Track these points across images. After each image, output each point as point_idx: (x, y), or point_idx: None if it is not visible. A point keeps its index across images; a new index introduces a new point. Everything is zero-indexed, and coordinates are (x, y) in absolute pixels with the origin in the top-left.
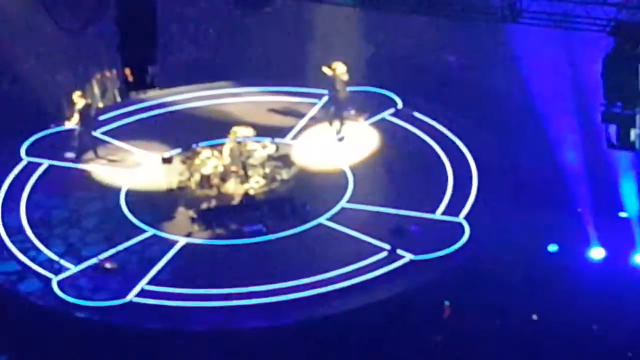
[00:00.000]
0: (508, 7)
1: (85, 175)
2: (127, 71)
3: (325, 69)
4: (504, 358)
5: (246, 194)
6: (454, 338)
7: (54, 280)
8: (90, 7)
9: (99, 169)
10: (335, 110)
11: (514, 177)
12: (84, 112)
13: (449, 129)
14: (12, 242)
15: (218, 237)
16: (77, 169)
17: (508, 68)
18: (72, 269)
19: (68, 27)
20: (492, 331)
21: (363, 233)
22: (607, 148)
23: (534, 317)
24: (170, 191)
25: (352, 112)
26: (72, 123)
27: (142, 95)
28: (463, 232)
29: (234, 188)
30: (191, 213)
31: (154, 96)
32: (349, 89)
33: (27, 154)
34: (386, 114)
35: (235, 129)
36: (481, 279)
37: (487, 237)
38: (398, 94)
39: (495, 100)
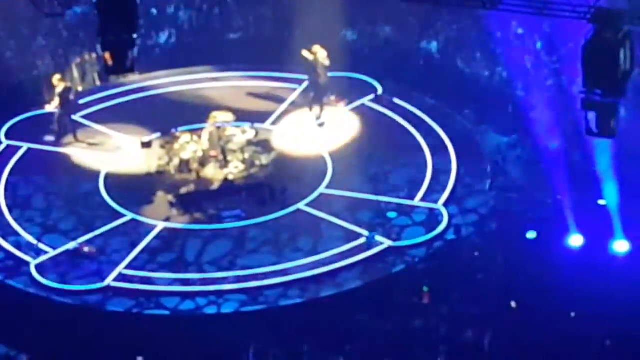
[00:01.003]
0: None
1: (64, 159)
2: (107, 55)
3: (305, 53)
4: (481, 344)
5: (225, 179)
6: (432, 324)
7: (32, 263)
8: None
9: (79, 153)
10: (315, 96)
11: (493, 163)
12: (64, 96)
13: (429, 115)
14: None
15: (196, 221)
16: (56, 153)
17: (488, 54)
18: (51, 252)
19: (48, 11)
20: (470, 317)
21: (341, 219)
22: (586, 135)
23: (513, 304)
24: (149, 175)
25: (332, 97)
26: (52, 106)
27: (121, 79)
28: (441, 218)
29: (213, 173)
30: (170, 197)
31: (134, 80)
32: (329, 74)
33: (7, 137)
34: (366, 100)
35: (214, 113)
36: (459, 266)
37: (465, 224)
38: (378, 80)
39: (475, 87)
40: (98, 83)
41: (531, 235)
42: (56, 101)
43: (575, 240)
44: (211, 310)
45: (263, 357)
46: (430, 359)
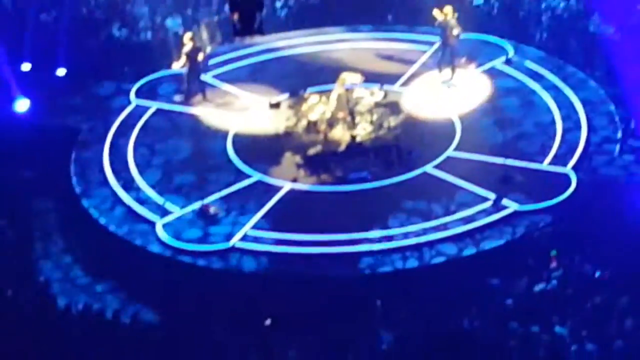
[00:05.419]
0: None
1: (192, 119)
2: (235, 16)
3: (436, 14)
4: (608, 309)
5: (353, 141)
6: (558, 288)
7: (159, 223)
8: None
9: (207, 113)
10: (445, 58)
11: (624, 128)
12: (191, 55)
13: (559, 78)
14: (119, 184)
15: (323, 183)
16: (185, 113)
17: (621, 18)
18: (177, 212)
19: None
20: (597, 283)
21: (468, 182)
22: None
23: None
24: (276, 136)
25: (463, 59)
26: (178, 65)
27: (248, 41)
28: (569, 183)
29: (340, 134)
30: (297, 158)
31: (264, 41)
32: (460, 35)
33: (137, 96)
34: (497, 63)
35: (343, 75)
36: (586, 231)
37: (594, 189)
38: (510, 42)
39: (607, 50)
40: (226, 44)
41: None
42: (183, 60)
43: None
44: (341, 271)
45: (375, 322)
46: (558, 323)
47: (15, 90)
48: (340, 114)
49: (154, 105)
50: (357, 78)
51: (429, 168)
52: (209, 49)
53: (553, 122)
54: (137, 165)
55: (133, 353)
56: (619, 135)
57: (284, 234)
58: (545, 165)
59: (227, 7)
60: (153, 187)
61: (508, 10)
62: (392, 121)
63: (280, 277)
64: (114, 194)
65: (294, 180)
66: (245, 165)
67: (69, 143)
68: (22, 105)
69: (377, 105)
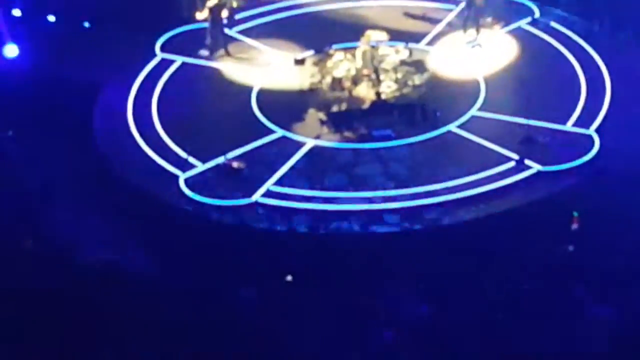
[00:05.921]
0: None
1: (217, 74)
2: None
3: None
4: (632, 270)
5: (377, 98)
6: (580, 250)
7: (181, 177)
8: None
9: (232, 68)
10: (471, 17)
11: None
12: (215, 10)
13: (585, 40)
14: (143, 138)
15: (346, 140)
16: (210, 67)
17: None
18: (200, 167)
19: None
20: (620, 243)
21: (492, 142)
22: None
23: None
24: (301, 92)
25: (489, 19)
26: (201, 16)
27: None
28: (593, 144)
29: (365, 92)
30: (321, 115)
31: None
32: None
33: (162, 50)
34: (523, 23)
35: (369, 32)
36: (609, 192)
37: (617, 151)
38: (535, 3)
39: (633, 12)
40: None
41: None
42: (205, 12)
43: None
44: (361, 229)
45: (396, 280)
46: (578, 284)
47: (6, 36)
48: (365, 72)
49: (179, 59)
50: (382, 36)
51: (453, 127)
52: (235, 4)
53: (578, 83)
54: (161, 119)
55: (155, 308)
56: None
57: (306, 190)
58: (569, 126)
59: None
60: (176, 141)
61: None
62: (417, 79)
63: (302, 233)
64: (138, 147)
65: (318, 136)
66: (269, 121)
67: (93, 96)
68: (10, 51)
69: (402, 63)
